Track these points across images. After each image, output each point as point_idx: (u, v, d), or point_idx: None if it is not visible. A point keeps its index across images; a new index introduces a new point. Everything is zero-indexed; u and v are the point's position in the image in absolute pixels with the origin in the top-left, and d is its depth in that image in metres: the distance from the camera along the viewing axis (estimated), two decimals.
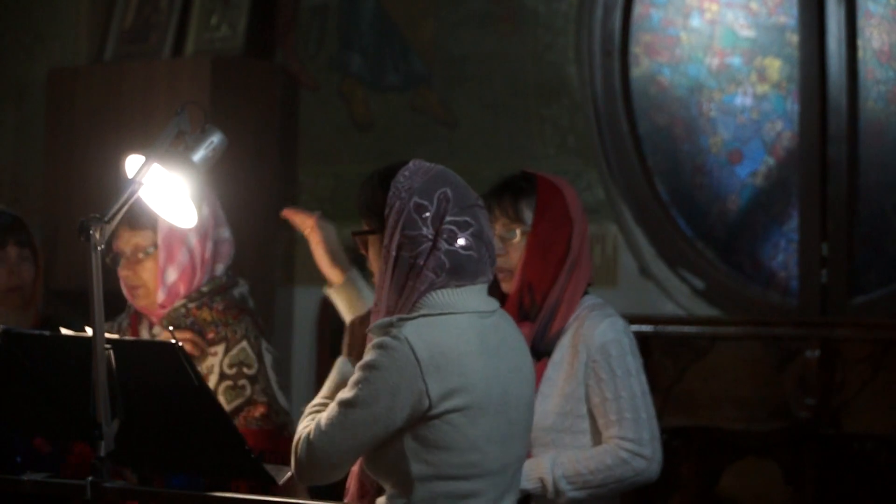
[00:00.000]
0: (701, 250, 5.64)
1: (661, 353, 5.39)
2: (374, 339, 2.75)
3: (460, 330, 2.75)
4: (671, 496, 5.18)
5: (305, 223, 3.42)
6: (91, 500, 2.78)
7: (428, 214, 2.77)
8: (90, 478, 2.79)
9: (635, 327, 5.39)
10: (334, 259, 3.38)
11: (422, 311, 2.75)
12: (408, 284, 2.76)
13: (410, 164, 2.84)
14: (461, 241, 2.76)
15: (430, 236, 2.76)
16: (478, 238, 2.79)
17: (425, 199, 2.77)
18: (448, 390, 2.70)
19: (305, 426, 2.80)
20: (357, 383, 2.71)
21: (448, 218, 2.77)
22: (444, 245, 2.76)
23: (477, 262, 2.78)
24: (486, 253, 2.81)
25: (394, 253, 2.77)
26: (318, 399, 2.89)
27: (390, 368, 2.69)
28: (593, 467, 3.44)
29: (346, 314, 3.35)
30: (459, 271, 2.77)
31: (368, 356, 2.73)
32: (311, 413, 2.85)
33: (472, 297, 2.79)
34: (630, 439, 3.45)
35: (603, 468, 3.44)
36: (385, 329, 2.74)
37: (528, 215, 3.53)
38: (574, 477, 3.44)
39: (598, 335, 3.49)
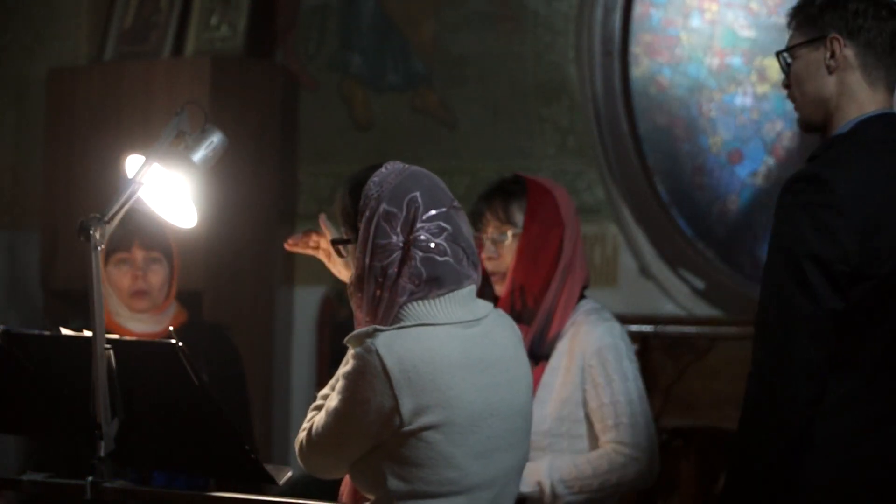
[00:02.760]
0: (701, 250, 5.63)
1: (661, 353, 5.38)
2: (350, 350, 2.68)
3: (438, 342, 2.65)
4: (671, 496, 5.18)
5: (309, 246, 3.34)
6: (91, 500, 2.79)
7: (397, 222, 2.68)
8: (90, 478, 2.79)
9: (635, 327, 5.42)
10: (349, 262, 3.31)
11: (399, 323, 2.66)
12: (383, 295, 2.68)
13: (383, 167, 2.76)
14: (435, 248, 2.68)
15: (401, 244, 2.67)
16: (453, 242, 2.69)
17: (394, 206, 2.69)
18: (421, 406, 2.62)
19: (306, 425, 2.77)
20: (338, 393, 2.67)
21: (419, 224, 2.68)
22: (417, 253, 2.67)
23: (456, 267, 2.69)
24: (465, 255, 2.71)
25: (367, 262, 2.69)
26: (326, 389, 2.81)
27: (359, 382, 2.62)
28: (590, 472, 3.44)
29: None
30: (438, 280, 2.68)
31: (346, 366, 2.67)
32: (316, 406, 2.79)
33: (455, 306, 2.70)
34: (627, 444, 3.45)
35: (600, 473, 3.44)
36: (359, 339, 2.66)
37: (519, 218, 3.54)
38: (571, 481, 3.44)
39: (594, 340, 3.49)
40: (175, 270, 4.11)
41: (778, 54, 3.08)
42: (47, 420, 3.05)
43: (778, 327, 2.84)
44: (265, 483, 2.95)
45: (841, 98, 2.98)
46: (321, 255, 3.24)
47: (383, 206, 2.70)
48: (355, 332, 2.69)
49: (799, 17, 3.04)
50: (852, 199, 2.82)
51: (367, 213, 2.71)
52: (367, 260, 2.70)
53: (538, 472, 3.44)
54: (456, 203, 2.77)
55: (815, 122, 3.04)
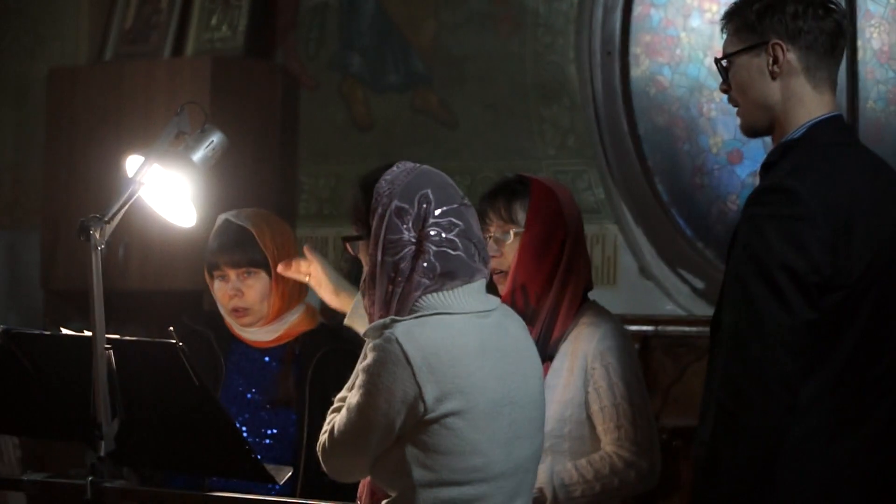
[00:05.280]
0: (701, 250, 5.63)
1: (661, 353, 5.38)
2: (369, 343, 2.71)
3: (455, 330, 2.70)
4: (671, 496, 5.18)
5: (301, 272, 3.40)
6: (91, 500, 2.79)
7: (409, 218, 2.73)
8: (90, 478, 2.79)
9: (635, 327, 5.41)
10: (337, 288, 3.34)
11: (416, 314, 2.70)
12: (396, 290, 2.71)
13: (394, 166, 2.80)
14: (448, 243, 2.72)
15: (413, 240, 2.72)
16: (465, 238, 2.75)
17: (406, 203, 2.73)
18: (444, 393, 2.65)
19: (327, 427, 2.77)
20: (359, 388, 2.68)
21: (431, 220, 2.73)
22: (431, 248, 2.71)
23: (467, 262, 2.74)
24: (476, 251, 2.76)
25: (379, 258, 2.73)
26: (343, 392, 2.82)
27: (382, 373, 2.64)
28: (591, 476, 3.43)
29: None
30: (452, 273, 2.72)
31: (366, 359, 2.69)
32: (334, 409, 2.80)
33: (469, 298, 2.75)
34: (628, 448, 3.45)
35: (601, 477, 3.44)
36: (378, 331, 2.69)
37: (522, 217, 3.54)
38: (573, 486, 3.43)
39: (597, 342, 3.49)
40: (276, 279, 3.76)
41: (717, 61, 3.06)
42: (47, 420, 3.05)
43: (752, 339, 2.79)
44: (265, 483, 2.95)
45: (787, 103, 2.96)
46: (311, 283, 3.29)
47: (395, 202, 2.74)
48: (374, 324, 2.71)
49: (735, 23, 3.00)
50: (821, 210, 2.80)
51: (379, 210, 2.74)
52: (380, 256, 2.73)
53: (539, 478, 3.42)
54: (466, 200, 2.81)
55: (759, 127, 3.04)
